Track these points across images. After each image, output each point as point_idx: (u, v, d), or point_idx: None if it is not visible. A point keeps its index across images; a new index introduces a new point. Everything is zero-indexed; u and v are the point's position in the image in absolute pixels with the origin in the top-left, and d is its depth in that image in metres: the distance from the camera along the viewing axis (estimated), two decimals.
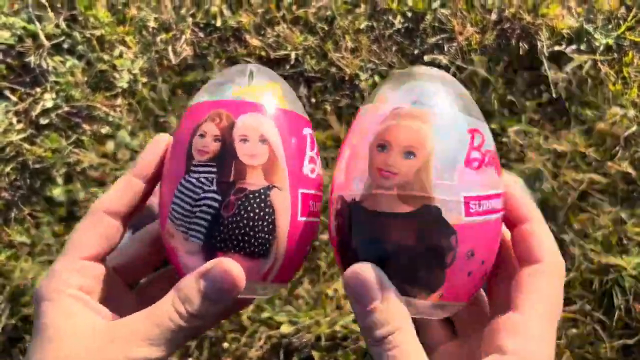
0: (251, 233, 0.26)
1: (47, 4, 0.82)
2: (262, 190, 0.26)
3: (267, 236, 0.26)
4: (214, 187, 0.26)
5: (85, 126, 0.80)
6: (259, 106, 0.27)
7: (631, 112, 0.77)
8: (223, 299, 0.25)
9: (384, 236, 0.25)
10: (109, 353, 0.24)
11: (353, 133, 0.28)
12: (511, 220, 0.28)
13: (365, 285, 0.24)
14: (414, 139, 0.25)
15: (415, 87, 0.27)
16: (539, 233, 0.27)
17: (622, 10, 0.82)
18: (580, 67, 0.79)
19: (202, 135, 0.26)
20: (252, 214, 0.26)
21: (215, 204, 0.26)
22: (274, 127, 0.27)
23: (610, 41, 0.80)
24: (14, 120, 0.80)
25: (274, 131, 0.27)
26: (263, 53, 0.82)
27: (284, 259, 0.27)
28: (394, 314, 0.24)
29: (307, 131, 0.29)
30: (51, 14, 0.82)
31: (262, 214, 0.26)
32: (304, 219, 0.27)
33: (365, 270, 0.24)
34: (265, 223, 0.26)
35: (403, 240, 0.25)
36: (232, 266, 0.25)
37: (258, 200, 0.26)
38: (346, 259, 0.26)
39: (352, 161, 0.27)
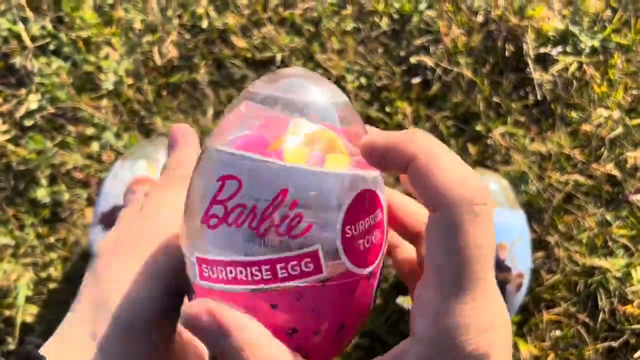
0: None
1: (26, 6, 0.82)
2: None
3: None
4: None
5: (70, 127, 0.80)
6: None
7: (616, 114, 0.77)
8: None
9: None
10: None
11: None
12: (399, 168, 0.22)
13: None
14: None
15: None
16: (431, 167, 0.20)
17: (608, 12, 0.82)
18: (565, 69, 0.79)
19: None
20: None
21: None
22: None
23: (596, 43, 0.80)
24: None
25: None
26: (249, 54, 0.82)
27: None
28: None
29: None
30: (30, 14, 0.82)
31: None
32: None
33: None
34: None
35: None
36: None
37: None
38: None
39: None
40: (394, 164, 0.22)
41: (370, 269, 0.23)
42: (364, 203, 0.23)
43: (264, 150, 0.23)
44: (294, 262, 0.22)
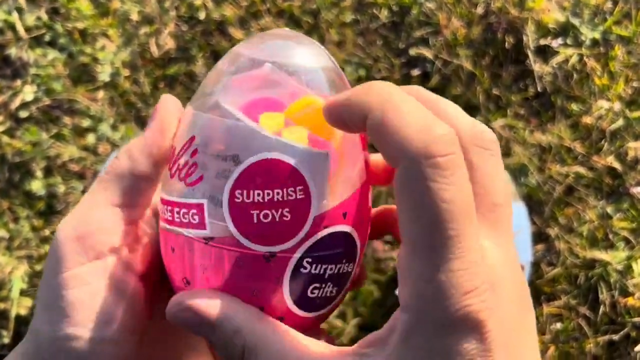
0: None
1: None
2: None
3: None
4: None
5: (66, 119, 0.79)
6: None
7: (617, 106, 0.77)
8: None
9: None
10: None
11: None
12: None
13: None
14: None
15: None
16: (388, 124, 0.18)
17: (609, 4, 0.81)
18: (566, 61, 0.79)
19: None
20: None
21: None
22: None
23: (597, 35, 0.79)
24: None
25: None
26: None
27: None
28: None
29: None
30: (25, 5, 0.81)
31: None
32: None
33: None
34: None
35: None
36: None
37: None
38: None
39: None
40: (353, 123, 0.19)
41: (268, 249, 0.21)
42: (271, 173, 0.21)
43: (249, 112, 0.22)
44: (185, 210, 0.22)
